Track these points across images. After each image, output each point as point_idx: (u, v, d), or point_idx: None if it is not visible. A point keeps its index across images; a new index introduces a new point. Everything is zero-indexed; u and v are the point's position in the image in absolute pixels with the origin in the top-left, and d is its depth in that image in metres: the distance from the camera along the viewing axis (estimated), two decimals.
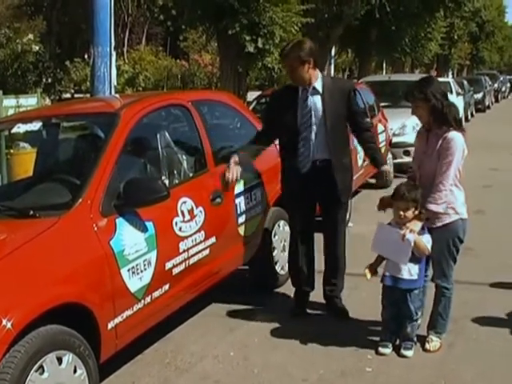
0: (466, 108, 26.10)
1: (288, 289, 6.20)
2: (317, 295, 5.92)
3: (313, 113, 5.45)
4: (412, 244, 4.64)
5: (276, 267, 6.38)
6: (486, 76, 40.05)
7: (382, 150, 11.23)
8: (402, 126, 12.90)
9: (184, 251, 5.00)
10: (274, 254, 6.34)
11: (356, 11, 21.75)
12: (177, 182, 5.40)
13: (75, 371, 3.85)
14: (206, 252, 5.30)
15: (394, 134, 12.70)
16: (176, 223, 4.95)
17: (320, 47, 21.86)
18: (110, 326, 4.20)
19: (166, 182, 5.19)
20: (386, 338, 5.05)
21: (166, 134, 5.49)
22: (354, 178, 5.98)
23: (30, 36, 27.99)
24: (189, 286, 5.14)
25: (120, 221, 4.39)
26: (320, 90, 5.47)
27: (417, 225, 4.69)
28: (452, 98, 21.16)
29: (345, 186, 5.65)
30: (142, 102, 5.44)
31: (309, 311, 5.84)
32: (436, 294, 5.04)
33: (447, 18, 32.28)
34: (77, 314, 3.95)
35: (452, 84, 23.44)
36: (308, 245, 5.78)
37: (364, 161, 9.24)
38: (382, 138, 11.55)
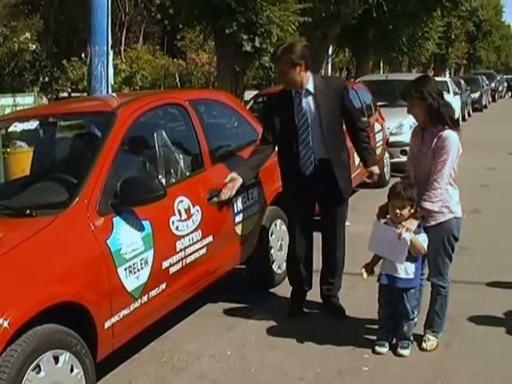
0: (463, 107, 26.13)
1: (285, 288, 6.20)
2: (314, 294, 5.92)
3: (308, 115, 5.46)
4: (408, 243, 4.64)
5: (273, 266, 6.38)
6: (483, 75, 40.10)
7: (379, 150, 11.27)
8: (399, 125, 12.90)
9: (181, 250, 5.00)
10: (270, 253, 6.34)
11: (353, 10, 21.77)
12: (174, 181, 5.40)
13: (72, 370, 3.85)
14: (203, 251, 5.30)
15: (391, 134, 12.70)
16: (173, 222, 4.95)
17: (317, 46, 21.97)
18: (106, 325, 4.20)
19: (163, 180, 5.19)
20: (382, 337, 5.06)
21: (163, 133, 5.49)
22: (352, 176, 5.98)
23: (27, 35, 27.93)
24: (186, 285, 5.14)
25: (117, 220, 4.39)
26: (312, 90, 5.48)
27: (413, 223, 4.70)
28: (449, 97, 21.21)
29: (346, 182, 5.67)
30: (138, 101, 5.43)
31: (306, 310, 5.85)
32: (432, 293, 5.04)
33: (444, 17, 32.28)
34: (74, 313, 3.95)
35: (449, 83, 23.48)
36: (307, 244, 5.78)
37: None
38: (379, 137, 11.55)
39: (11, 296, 3.56)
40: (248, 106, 10.74)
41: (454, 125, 4.87)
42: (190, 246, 5.13)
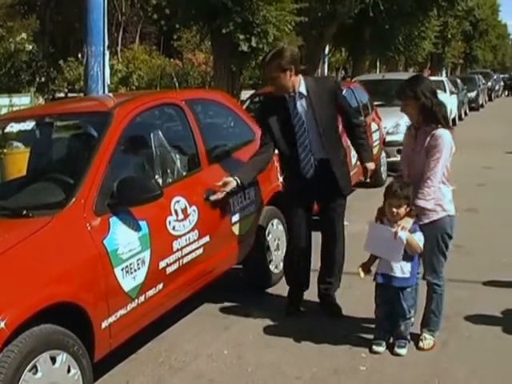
0: (459, 107, 26.16)
1: (282, 287, 6.21)
2: (310, 293, 5.93)
3: (304, 117, 5.47)
4: (404, 242, 4.64)
5: (270, 266, 6.39)
6: (479, 75, 40.12)
7: (376, 149, 11.27)
8: (395, 124, 12.91)
9: (177, 250, 5.01)
10: (267, 252, 6.35)
11: (350, 10, 21.77)
12: (170, 180, 5.40)
13: (69, 371, 3.85)
14: (200, 251, 5.31)
15: (387, 133, 12.71)
16: (169, 222, 4.95)
17: (314, 46, 21.98)
18: (103, 325, 4.20)
19: (160, 180, 5.19)
20: (379, 336, 5.06)
21: (160, 133, 5.49)
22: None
23: (24, 35, 27.95)
24: (183, 284, 5.14)
25: (113, 220, 4.39)
26: (305, 93, 5.48)
27: (408, 222, 4.71)
28: (446, 96, 21.25)
29: (345, 180, 5.70)
30: (135, 101, 5.43)
31: (302, 309, 5.85)
32: (428, 292, 5.06)
33: (441, 16, 32.31)
34: (70, 313, 3.95)
35: (446, 83, 23.51)
36: (305, 244, 5.79)
37: (357, 160, 9.24)
38: (375, 136, 11.56)
39: (8, 296, 3.56)
40: (244, 106, 10.74)
41: (447, 124, 4.90)
42: (187, 245, 5.13)
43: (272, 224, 6.42)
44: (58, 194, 4.43)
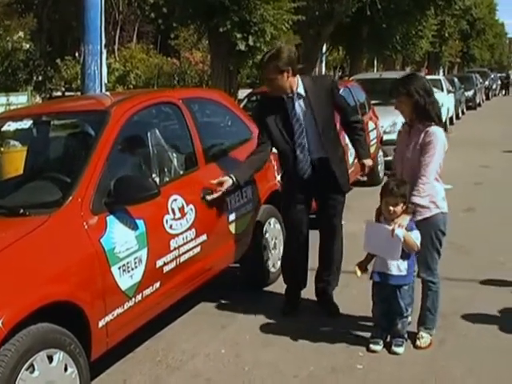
0: (456, 105, 26.17)
1: (279, 286, 6.21)
2: (308, 292, 5.93)
3: (302, 118, 5.47)
4: (402, 239, 4.65)
5: (267, 265, 6.39)
6: (476, 74, 40.13)
7: (373, 148, 11.28)
8: (392, 123, 12.90)
9: (175, 249, 5.00)
10: (264, 251, 6.35)
11: (347, 9, 21.78)
12: (167, 179, 5.39)
13: (66, 369, 3.85)
14: (197, 250, 5.30)
15: (384, 132, 12.71)
16: (167, 221, 4.95)
17: (311, 45, 21.98)
18: (100, 324, 4.20)
19: (157, 179, 5.19)
20: (376, 334, 5.06)
21: (157, 131, 5.48)
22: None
23: (21, 34, 27.93)
24: (180, 283, 5.14)
25: (111, 218, 4.39)
26: (303, 93, 5.48)
27: (405, 219, 4.72)
28: (443, 95, 21.25)
29: (344, 177, 5.71)
30: (132, 100, 5.43)
31: (300, 308, 5.85)
32: (423, 290, 5.07)
33: (438, 15, 32.33)
34: (67, 312, 3.95)
35: (443, 82, 23.50)
36: (303, 242, 5.79)
37: (355, 158, 9.25)
38: (372, 135, 11.57)
39: (4, 295, 3.55)
40: (242, 105, 10.75)
41: (441, 121, 4.95)
42: (184, 244, 5.13)
43: (269, 223, 6.42)
44: (55, 193, 4.42)
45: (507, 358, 4.81)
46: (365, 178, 10.86)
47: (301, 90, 5.49)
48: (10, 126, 5.52)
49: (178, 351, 5.15)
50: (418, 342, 5.02)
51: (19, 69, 24.83)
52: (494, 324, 5.37)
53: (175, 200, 5.10)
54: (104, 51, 10.19)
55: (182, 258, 5.10)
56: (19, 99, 14.62)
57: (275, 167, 6.42)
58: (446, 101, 21.38)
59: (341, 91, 7.74)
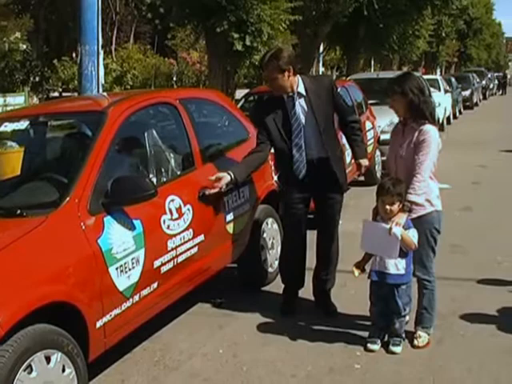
0: (453, 105, 26.18)
1: (277, 286, 6.21)
2: (306, 292, 5.93)
3: (302, 117, 5.48)
4: (399, 237, 4.65)
5: (264, 265, 6.39)
6: (473, 73, 40.17)
7: (370, 148, 11.28)
8: (389, 123, 12.86)
9: (172, 249, 5.00)
10: (262, 251, 6.34)
11: (344, 8, 21.78)
12: (165, 180, 5.39)
13: (64, 370, 3.85)
14: (195, 250, 5.30)
15: (381, 132, 12.71)
16: (164, 221, 4.94)
17: (308, 45, 21.97)
18: (98, 324, 4.20)
19: (154, 180, 5.18)
20: (374, 334, 5.06)
21: (154, 132, 5.48)
22: None
23: (18, 34, 27.90)
24: (177, 284, 5.13)
25: (108, 219, 4.39)
26: (304, 93, 5.49)
27: (402, 217, 4.73)
28: (440, 95, 21.26)
29: (343, 175, 5.74)
30: (129, 101, 5.43)
31: (297, 308, 5.84)
32: (419, 289, 5.08)
33: (435, 15, 32.35)
34: (65, 312, 3.94)
35: (440, 81, 23.52)
36: (301, 242, 5.79)
37: (352, 158, 9.25)
38: (370, 135, 11.57)
39: (2, 296, 3.55)
40: (239, 105, 10.75)
41: (434, 120, 5.00)
42: (182, 244, 5.12)
43: (267, 223, 6.42)
44: (52, 194, 4.41)
45: (505, 357, 4.81)
46: (362, 178, 10.87)
47: (301, 90, 5.50)
48: (7, 127, 5.52)
49: (175, 351, 5.15)
50: (415, 342, 5.02)
51: (16, 69, 24.81)
52: (491, 323, 5.37)
53: (172, 200, 5.10)
54: (101, 52, 10.18)
55: (180, 259, 5.10)
56: (16, 100, 14.62)
57: (272, 167, 6.41)
58: (443, 100, 21.40)
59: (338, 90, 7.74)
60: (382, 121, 12.69)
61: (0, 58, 24.87)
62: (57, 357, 3.78)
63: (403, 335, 5.02)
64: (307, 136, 5.48)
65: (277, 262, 6.43)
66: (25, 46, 26.89)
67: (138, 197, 4.48)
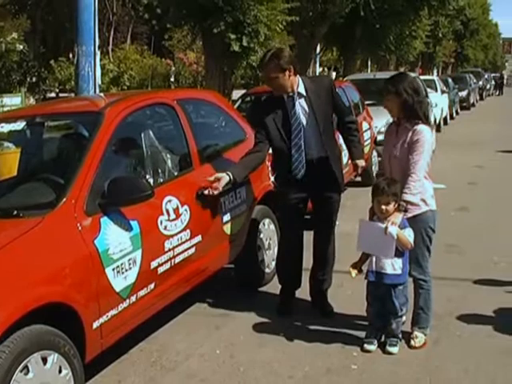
0: (450, 106, 26.21)
1: (273, 286, 6.22)
2: (302, 292, 5.93)
3: (302, 117, 5.48)
4: (395, 236, 4.66)
5: (261, 265, 6.39)
6: (470, 74, 40.23)
7: (367, 148, 11.29)
8: (386, 123, 12.88)
9: (169, 250, 5.00)
10: (259, 252, 6.35)
11: (340, 9, 21.77)
12: (162, 180, 5.39)
13: (60, 371, 3.84)
14: (192, 250, 5.30)
15: (378, 132, 12.71)
16: (161, 222, 4.94)
17: (305, 45, 21.96)
18: (95, 325, 4.19)
19: (151, 180, 5.18)
20: (371, 334, 5.07)
21: (151, 132, 5.48)
22: None
23: (14, 35, 27.82)
24: (174, 284, 5.13)
25: (104, 220, 4.39)
26: (304, 93, 5.50)
27: (398, 217, 4.74)
28: (437, 95, 21.26)
29: (341, 175, 5.76)
30: (126, 101, 5.42)
31: (294, 308, 5.85)
32: (414, 289, 5.08)
33: (432, 16, 32.33)
34: (61, 313, 3.94)
35: (437, 82, 23.54)
36: (298, 243, 5.80)
37: (348, 159, 9.26)
38: (366, 135, 11.58)
39: None
40: (236, 106, 10.74)
41: (428, 120, 5.02)
42: (179, 245, 5.12)
43: (263, 223, 6.42)
44: (49, 195, 4.41)
45: (502, 358, 4.81)
46: (359, 179, 10.88)
47: (301, 90, 5.50)
48: (4, 128, 5.51)
49: (172, 352, 5.15)
50: (412, 342, 5.03)
51: (13, 70, 24.76)
52: (488, 324, 5.37)
53: (170, 201, 5.10)
54: (98, 52, 10.19)
55: (177, 259, 5.10)
56: (13, 101, 14.59)
57: (269, 168, 6.42)
58: (439, 101, 21.41)
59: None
60: (379, 121, 12.69)
61: None
62: (53, 358, 3.78)
63: (400, 335, 5.03)
64: (307, 136, 5.48)
65: (274, 263, 6.43)
66: (21, 47, 26.83)
67: (135, 197, 4.48)
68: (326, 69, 48.05)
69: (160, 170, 5.42)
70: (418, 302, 5.08)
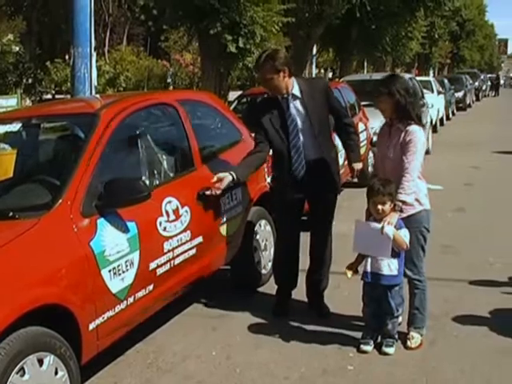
0: (446, 107, 26.22)
1: (270, 287, 6.22)
2: (299, 293, 5.93)
3: (297, 118, 5.49)
4: (391, 236, 4.66)
5: (258, 267, 6.39)
6: (466, 75, 40.26)
7: (363, 149, 11.28)
8: (382, 124, 12.90)
9: (169, 251, 5.00)
10: (255, 253, 6.35)
11: (337, 10, 21.77)
12: (161, 181, 5.37)
13: (56, 373, 3.84)
14: (193, 251, 5.31)
15: (374, 133, 12.70)
16: (160, 223, 4.94)
17: (301, 46, 21.96)
18: (91, 326, 4.19)
19: (147, 181, 5.17)
20: (367, 335, 5.07)
21: (147, 134, 5.47)
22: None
23: (10, 36, 27.81)
24: (174, 285, 5.14)
25: (101, 221, 4.38)
26: (299, 95, 5.50)
27: (393, 217, 4.75)
28: (433, 96, 21.27)
29: (338, 177, 5.78)
30: (121, 103, 5.42)
31: (291, 309, 5.85)
32: (410, 289, 5.09)
33: (428, 17, 32.37)
34: (57, 315, 3.94)
35: (433, 83, 23.55)
36: (295, 244, 5.80)
37: (344, 160, 9.26)
38: (362, 136, 11.58)
39: None
40: (232, 107, 10.75)
41: (420, 121, 5.04)
42: (179, 246, 5.12)
43: (260, 225, 6.42)
44: (45, 196, 4.41)
45: (498, 358, 4.82)
46: (355, 180, 10.87)
47: (296, 91, 5.50)
48: (0, 129, 5.51)
49: (168, 353, 5.15)
50: (408, 343, 5.03)
51: (9, 71, 24.74)
52: (484, 325, 5.38)
53: (170, 202, 5.10)
54: (94, 54, 10.16)
55: (177, 261, 5.10)
56: (9, 102, 14.57)
57: (265, 169, 6.42)
58: (436, 102, 21.42)
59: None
60: (375, 122, 12.68)
61: None
62: (49, 359, 3.78)
63: (396, 336, 5.03)
64: (303, 138, 5.49)
65: (270, 264, 6.43)
66: (17, 48, 26.82)
67: (132, 199, 4.47)
68: (322, 70, 48.08)
69: (158, 171, 5.40)
70: (413, 303, 5.08)
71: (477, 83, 44.77)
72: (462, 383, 4.53)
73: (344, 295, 6.03)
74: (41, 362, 3.74)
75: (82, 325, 4.08)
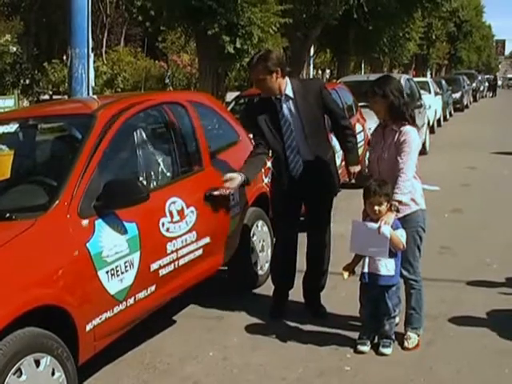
0: (444, 107, 26.24)
1: (267, 288, 6.21)
2: (296, 294, 5.93)
3: (290, 120, 5.49)
4: (388, 236, 4.66)
5: (255, 267, 6.39)
6: (464, 75, 40.27)
7: (361, 150, 11.28)
8: (376, 125, 12.90)
9: (172, 252, 4.99)
10: (252, 254, 6.34)
11: (334, 11, 21.80)
12: (163, 182, 5.37)
13: (53, 374, 3.84)
14: (199, 252, 5.32)
15: (371, 134, 12.72)
16: (163, 224, 4.93)
17: (298, 47, 21.98)
18: (88, 327, 4.19)
19: (145, 182, 5.17)
20: (364, 335, 5.07)
21: (144, 134, 5.46)
22: None
23: (8, 37, 27.74)
24: (179, 286, 5.16)
25: (99, 222, 4.38)
26: (291, 95, 5.50)
27: (390, 216, 4.76)
28: (430, 97, 21.27)
29: (334, 178, 5.76)
30: (118, 104, 5.41)
31: (288, 310, 5.85)
32: (406, 289, 5.10)
33: (425, 18, 32.44)
34: (54, 316, 3.93)
35: (430, 84, 23.56)
36: (292, 245, 5.80)
37: (342, 160, 9.26)
38: (360, 137, 11.57)
39: None
40: (229, 108, 10.75)
41: (414, 122, 5.06)
42: (184, 247, 5.12)
43: (257, 225, 6.42)
44: (42, 197, 4.41)
45: (495, 358, 4.83)
46: (353, 180, 10.87)
47: (289, 92, 5.50)
48: None
49: (165, 354, 5.14)
50: (405, 343, 5.03)
51: (6, 72, 24.67)
52: (481, 325, 5.38)
53: (174, 202, 5.09)
54: (91, 54, 10.18)
55: (182, 261, 5.10)
56: (6, 103, 14.53)
57: (262, 170, 6.42)
58: (433, 103, 21.44)
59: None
60: (373, 123, 12.68)
61: None
62: (46, 360, 3.78)
63: (393, 337, 5.04)
64: (297, 138, 5.49)
65: (267, 265, 6.43)
66: (15, 49, 26.73)
67: (130, 200, 4.46)
68: (319, 71, 48.10)
69: (160, 172, 5.39)
70: (409, 303, 5.09)
71: (474, 84, 44.83)
72: (459, 383, 4.53)
73: (341, 296, 6.03)
74: (38, 362, 3.73)
75: (78, 326, 4.08)
